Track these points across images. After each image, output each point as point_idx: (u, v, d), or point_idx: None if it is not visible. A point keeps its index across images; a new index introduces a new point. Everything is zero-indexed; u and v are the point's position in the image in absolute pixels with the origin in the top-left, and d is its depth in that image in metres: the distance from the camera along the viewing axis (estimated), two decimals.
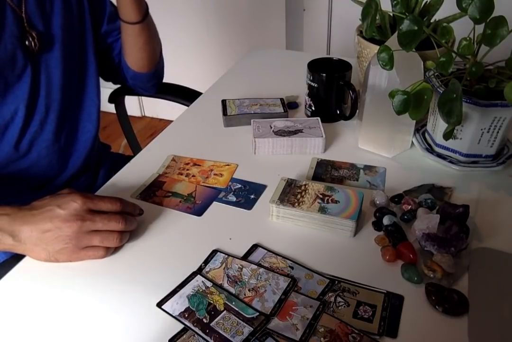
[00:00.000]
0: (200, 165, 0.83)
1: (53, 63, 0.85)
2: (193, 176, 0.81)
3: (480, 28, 0.65)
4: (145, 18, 0.92)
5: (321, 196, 0.70)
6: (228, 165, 0.83)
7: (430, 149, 0.82)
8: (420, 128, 0.87)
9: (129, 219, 0.66)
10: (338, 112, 0.93)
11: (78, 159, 0.94)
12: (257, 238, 0.68)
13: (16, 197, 0.85)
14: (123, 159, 0.87)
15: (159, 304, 0.58)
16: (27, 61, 0.80)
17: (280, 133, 0.85)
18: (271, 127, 0.87)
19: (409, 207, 0.70)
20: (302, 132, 0.85)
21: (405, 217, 0.69)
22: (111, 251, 0.65)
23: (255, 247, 0.66)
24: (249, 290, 0.60)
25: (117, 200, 0.66)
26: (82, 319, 0.58)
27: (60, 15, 0.84)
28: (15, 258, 0.67)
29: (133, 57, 0.97)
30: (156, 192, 0.77)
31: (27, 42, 0.79)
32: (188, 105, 1.06)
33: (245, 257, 0.65)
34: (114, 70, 1.04)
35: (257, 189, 0.77)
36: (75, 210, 0.62)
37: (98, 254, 0.64)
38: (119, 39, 0.99)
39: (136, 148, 1.32)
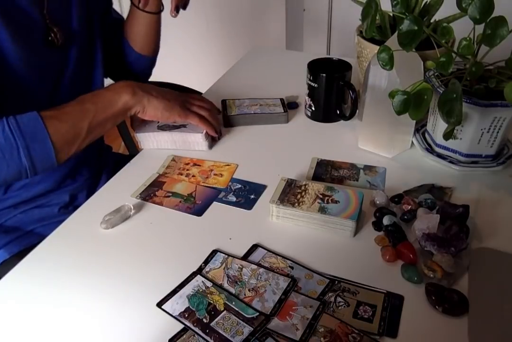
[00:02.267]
0: (200, 165, 0.83)
1: (72, 57, 0.85)
2: (193, 176, 0.81)
3: (480, 28, 0.65)
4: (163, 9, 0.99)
5: (321, 196, 0.70)
6: (228, 165, 0.83)
7: (430, 149, 0.82)
8: (420, 128, 0.87)
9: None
10: (338, 112, 0.93)
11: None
12: (257, 238, 0.68)
13: (21, 189, 0.86)
14: (125, 160, 0.87)
15: (159, 304, 0.58)
16: (51, 56, 0.81)
17: (163, 127, 0.85)
18: (157, 121, 0.87)
19: (409, 207, 0.70)
20: (185, 127, 0.86)
21: (405, 217, 0.69)
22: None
23: (255, 247, 0.66)
24: (249, 290, 0.60)
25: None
26: (82, 319, 0.58)
27: (76, 9, 0.85)
28: (15, 258, 0.67)
29: (142, 42, 1.02)
30: (156, 192, 0.77)
31: (50, 38, 0.80)
32: None
33: (245, 257, 0.65)
34: (114, 57, 1.05)
35: (257, 189, 0.77)
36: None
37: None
38: (119, 26, 1.02)
39: (132, 148, 1.31)
